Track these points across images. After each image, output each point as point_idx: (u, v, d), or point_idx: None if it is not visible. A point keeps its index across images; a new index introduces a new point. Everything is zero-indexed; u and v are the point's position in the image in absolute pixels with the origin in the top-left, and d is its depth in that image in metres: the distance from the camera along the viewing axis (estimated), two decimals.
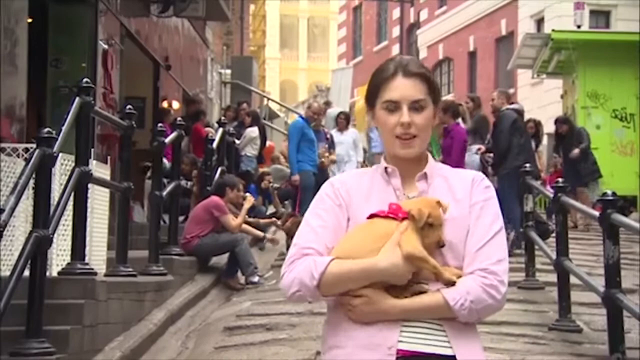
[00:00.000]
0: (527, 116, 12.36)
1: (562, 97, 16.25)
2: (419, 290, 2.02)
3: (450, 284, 2.02)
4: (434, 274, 2.02)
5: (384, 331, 1.99)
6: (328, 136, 11.47)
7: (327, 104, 15.50)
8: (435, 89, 2.14)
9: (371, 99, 2.15)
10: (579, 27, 17.18)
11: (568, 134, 11.89)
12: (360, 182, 2.15)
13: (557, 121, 12.28)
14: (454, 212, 2.07)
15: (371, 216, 2.06)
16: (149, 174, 9.74)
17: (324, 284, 2.01)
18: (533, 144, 11.61)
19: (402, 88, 2.09)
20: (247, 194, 9.36)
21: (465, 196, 2.11)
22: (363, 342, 2.00)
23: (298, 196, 10.08)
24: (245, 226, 8.74)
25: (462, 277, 2.04)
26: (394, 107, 2.09)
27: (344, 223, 2.10)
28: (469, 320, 2.03)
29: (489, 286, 2.03)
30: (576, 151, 11.66)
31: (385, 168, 2.14)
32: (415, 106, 2.09)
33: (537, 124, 12.46)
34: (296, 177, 9.97)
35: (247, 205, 8.79)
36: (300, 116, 10.48)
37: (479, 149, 10.35)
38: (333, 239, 2.06)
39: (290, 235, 9.00)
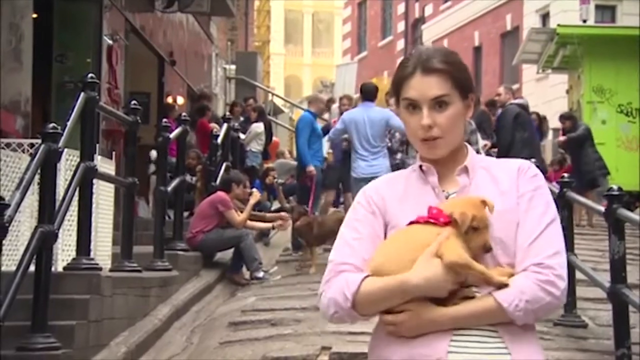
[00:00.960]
0: (532, 111, 12.32)
1: (567, 92, 16.20)
2: (468, 295, 1.85)
3: (503, 286, 1.84)
4: (482, 280, 1.86)
5: (432, 342, 1.83)
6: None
7: (331, 100, 15.28)
8: (463, 81, 1.94)
9: (396, 95, 2.00)
10: (584, 21, 17.13)
11: (572, 130, 11.83)
12: (395, 185, 2.00)
13: (561, 117, 12.24)
14: (500, 205, 1.89)
15: (410, 223, 1.89)
16: (152, 168, 9.76)
17: (359, 304, 1.87)
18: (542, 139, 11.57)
19: (421, 86, 1.92)
20: (254, 190, 9.36)
21: (512, 187, 1.93)
22: (409, 355, 1.85)
23: (312, 191, 9.74)
24: (250, 222, 8.73)
25: (514, 275, 1.86)
26: (414, 105, 1.93)
27: (380, 231, 1.95)
28: (526, 322, 1.86)
29: (545, 282, 1.84)
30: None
31: (420, 166, 1.98)
32: (437, 103, 1.91)
33: (542, 119, 12.40)
34: (311, 168, 9.52)
35: (252, 200, 8.79)
36: (307, 111, 10.30)
37: (485, 145, 10.35)
38: (371, 250, 1.91)
39: (299, 235, 8.92)
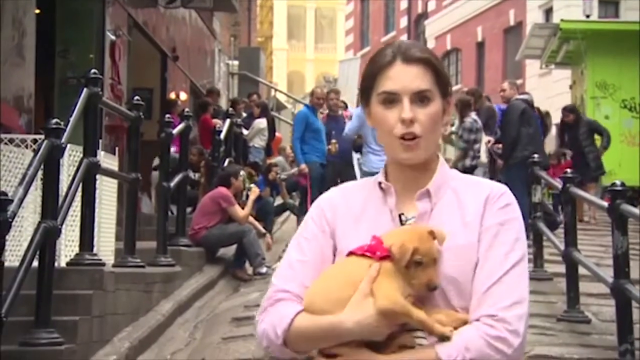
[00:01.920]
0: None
1: (570, 87, 16.19)
2: (407, 345, 1.63)
3: (445, 339, 1.61)
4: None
5: None
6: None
7: (337, 92, 15.16)
8: (444, 78, 1.74)
9: (365, 92, 1.75)
10: (587, 16, 17.09)
11: (574, 123, 11.73)
12: (353, 200, 1.77)
13: (565, 109, 12.11)
14: (460, 239, 1.66)
15: (350, 253, 1.68)
16: (155, 163, 9.76)
17: (291, 342, 1.68)
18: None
19: (402, 77, 1.70)
20: (252, 185, 9.35)
21: (476, 218, 1.69)
22: None
23: (309, 189, 9.77)
24: (251, 219, 8.73)
25: (468, 324, 1.63)
26: (392, 99, 1.70)
27: (329, 253, 1.74)
28: None
29: (495, 338, 1.60)
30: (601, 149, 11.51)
31: (380, 183, 1.76)
32: (419, 98, 1.70)
33: (544, 115, 12.31)
34: (303, 166, 9.60)
35: (253, 196, 8.79)
36: (306, 105, 10.28)
37: (488, 141, 10.33)
38: (313, 276, 1.71)
39: None
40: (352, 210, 1.75)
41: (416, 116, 1.69)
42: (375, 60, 1.75)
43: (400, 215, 1.72)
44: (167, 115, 7.89)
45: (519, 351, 1.62)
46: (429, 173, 1.74)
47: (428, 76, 1.72)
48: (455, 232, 1.67)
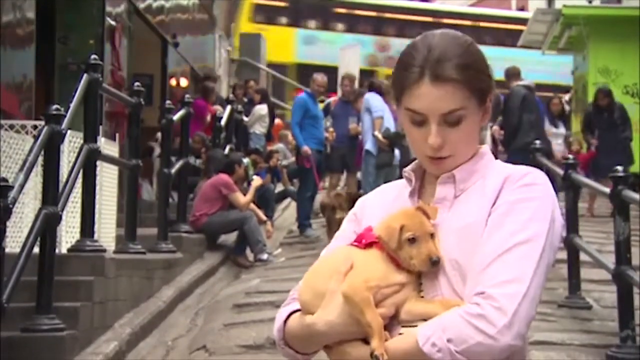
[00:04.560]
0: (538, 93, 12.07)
1: (572, 73, 16.14)
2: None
3: (372, 356, 1.43)
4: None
5: None
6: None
7: (351, 79, 14.98)
8: (483, 84, 1.54)
9: (396, 94, 1.59)
10: (590, 2, 17.03)
11: (608, 107, 10.75)
12: (388, 194, 1.66)
13: (601, 92, 10.88)
14: (468, 218, 1.51)
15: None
16: (157, 152, 9.75)
17: (291, 344, 1.57)
18: (562, 126, 10.80)
19: (430, 98, 1.51)
20: (255, 176, 9.34)
21: (491, 198, 1.52)
22: None
23: (315, 171, 9.64)
24: (253, 205, 8.72)
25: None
26: (420, 120, 1.53)
27: None
28: None
29: (474, 316, 1.41)
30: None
31: (404, 172, 1.63)
32: (450, 119, 1.52)
33: (563, 103, 11.31)
34: (306, 148, 9.41)
35: (255, 184, 8.78)
36: (306, 91, 10.25)
37: (491, 127, 10.33)
38: None
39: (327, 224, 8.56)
40: (383, 203, 1.63)
41: (446, 138, 1.53)
42: (401, 71, 1.55)
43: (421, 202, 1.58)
44: (168, 102, 7.87)
45: (507, 332, 1.40)
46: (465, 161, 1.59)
47: (462, 92, 1.52)
48: (468, 214, 1.52)
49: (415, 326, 1.47)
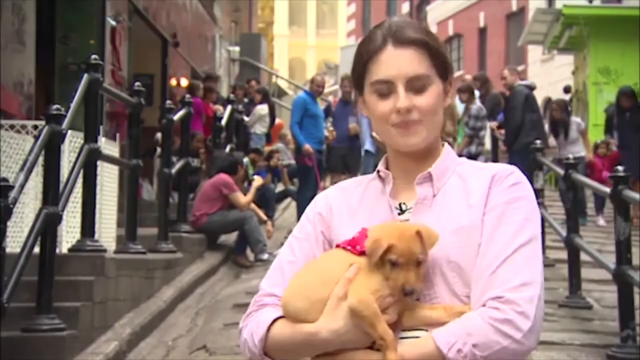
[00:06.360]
0: (538, 93, 12.03)
1: (573, 73, 16.15)
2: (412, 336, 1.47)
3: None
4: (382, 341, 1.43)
5: None
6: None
7: (351, 80, 15.08)
8: (442, 58, 1.59)
9: (358, 82, 1.61)
10: (590, 2, 17.02)
11: (631, 109, 10.07)
12: (350, 194, 1.64)
13: (625, 94, 10.26)
14: (463, 220, 1.52)
15: (337, 246, 1.55)
16: (158, 152, 9.74)
17: (272, 352, 1.53)
18: (563, 133, 10.01)
19: (395, 62, 1.54)
20: (256, 176, 9.34)
21: (481, 199, 1.53)
22: None
23: (316, 170, 9.64)
24: (253, 205, 8.72)
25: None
26: (386, 89, 1.55)
27: (320, 253, 1.60)
28: None
29: (501, 321, 1.42)
30: None
31: (378, 172, 1.63)
32: (416, 85, 1.55)
33: (565, 107, 10.38)
34: (307, 146, 9.38)
35: (256, 183, 8.78)
36: (305, 91, 10.24)
37: (495, 126, 10.35)
38: None
39: None
40: (349, 203, 1.62)
41: (413, 104, 1.54)
42: (364, 45, 1.59)
43: (400, 205, 1.58)
44: (168, 102, 7.87)
45: (531, 336, 1.43)
46: (432, 160, 1.60)
47: (424, 58, 1.56)
48: (459, 215, 1.53)
49: (418, 330, 1.46)
